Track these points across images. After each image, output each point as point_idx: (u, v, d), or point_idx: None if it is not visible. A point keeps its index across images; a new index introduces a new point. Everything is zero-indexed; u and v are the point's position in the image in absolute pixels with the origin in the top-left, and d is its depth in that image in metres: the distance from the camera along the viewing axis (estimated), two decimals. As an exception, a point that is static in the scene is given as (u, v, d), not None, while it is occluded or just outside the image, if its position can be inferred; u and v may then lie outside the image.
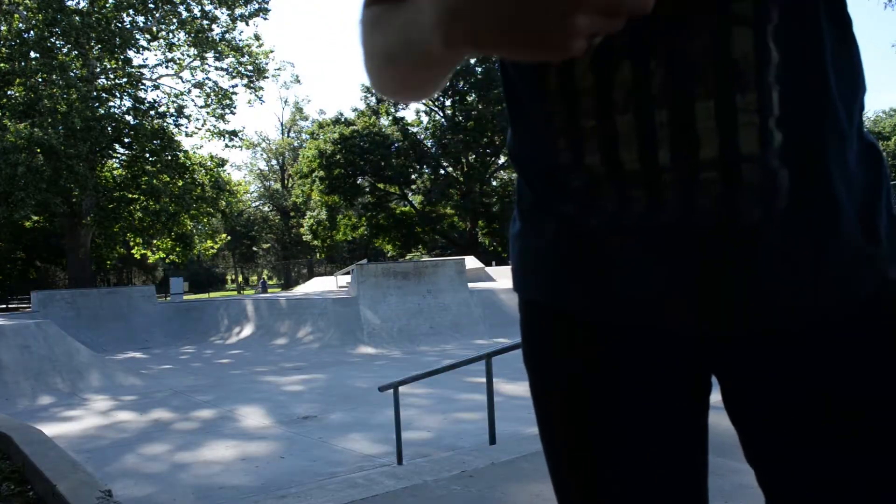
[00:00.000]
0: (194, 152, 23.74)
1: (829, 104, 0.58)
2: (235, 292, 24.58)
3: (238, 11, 22.04)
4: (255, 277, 56.14)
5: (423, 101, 0.69)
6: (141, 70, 22.55)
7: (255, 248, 53.04)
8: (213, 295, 34.07)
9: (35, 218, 23.14)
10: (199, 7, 21.66)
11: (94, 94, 20.26)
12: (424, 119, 36.65)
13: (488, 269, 24.10)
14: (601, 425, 0.67)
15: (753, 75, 0.55)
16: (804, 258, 0.58)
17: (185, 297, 25.61)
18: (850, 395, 0.59)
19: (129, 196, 21.96)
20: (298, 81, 60.32)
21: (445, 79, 0.58)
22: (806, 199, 0.57)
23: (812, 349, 0.60)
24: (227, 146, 25.59)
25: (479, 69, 33.62)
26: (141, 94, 22.64)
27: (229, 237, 36.47)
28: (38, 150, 18.33)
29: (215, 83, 23.46)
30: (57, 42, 19.52)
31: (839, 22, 0.60)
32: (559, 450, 0.72)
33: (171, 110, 22.97)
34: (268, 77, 24.75)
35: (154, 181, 21.17)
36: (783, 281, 0.58)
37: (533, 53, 0.42)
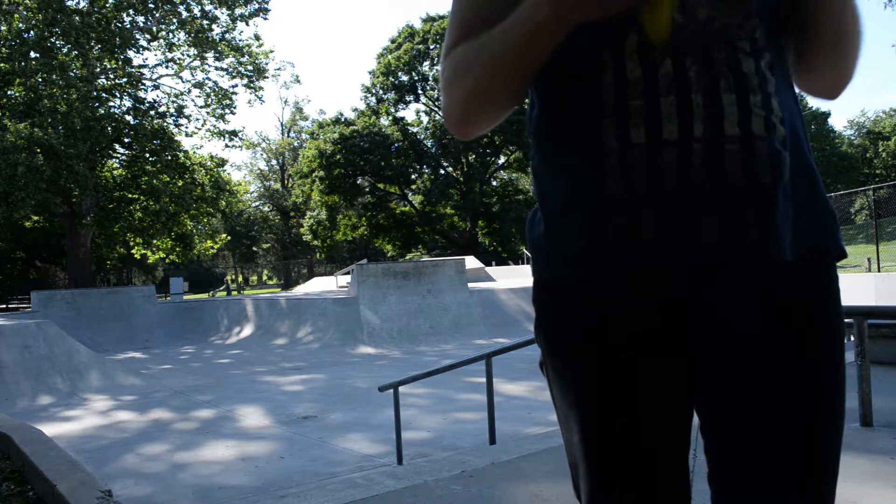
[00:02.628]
0: (194, 152, 23.72)
1: (799, 112, 0.82)
2: (207, 295, 24.50)
3: (238, 11, 22.02)
4: (255, 277, 56.16)
5: (493, 123, 0.81)
6: (141, 70, 22.54)
7: (255, 248, 53.05)
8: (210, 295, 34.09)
9: (35, 218, 23.15)
10: (199, 7, 21.65)
11: (94, 94, 20.24)
12: (424, 119, 36.65)
13: (488, 269, 24.11)
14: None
15: (758, 85, 0.75)
16: (802, 209, 0.79)
17: (185, 297, 25.60)
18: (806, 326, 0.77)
19: (129, 196, 21.94)
20: (298, 81, 60.36)
21: (526, 85, 0.82)
22: (799, 170, 0.79)
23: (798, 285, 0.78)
24: (227, 146, 25.57)
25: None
26: (141, 94, 22.64)
27: (229, 237, 36.47)
28: (38, 150, 18.31)
29: (215, 83, 23.45)
30: (57, 42, 19.51)
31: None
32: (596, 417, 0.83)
33: (171, 110, 22.96)
34: (268, 77, 24.73)
35: (154, 181, 21.15)
36: (787, 225, 0.76)
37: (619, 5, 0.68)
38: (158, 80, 23.11)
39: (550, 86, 0.83)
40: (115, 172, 23.20)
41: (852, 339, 3.38)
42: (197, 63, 22.95)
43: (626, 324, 0.79)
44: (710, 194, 0.73)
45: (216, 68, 23.49)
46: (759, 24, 0.77)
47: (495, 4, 0.80)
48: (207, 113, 23.49)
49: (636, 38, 0.75)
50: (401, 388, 5.08)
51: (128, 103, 22.38)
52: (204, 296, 32.45)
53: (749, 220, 0.74)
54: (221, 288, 25.02)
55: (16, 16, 18.89)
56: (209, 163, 23.61)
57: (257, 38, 23.29)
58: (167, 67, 23.11)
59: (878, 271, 15.47)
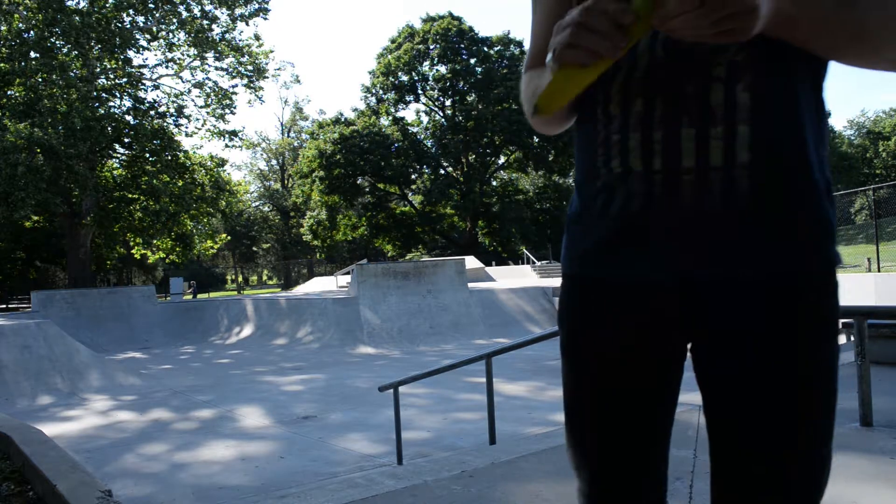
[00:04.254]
0: (194, 152, 23.72)
1: (798, 137, 0.83)
2: (163, 297, 24.26)
3: (238, 11, 22.02)
4: (255, 277, 56.17)
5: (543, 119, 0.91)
6: (141, 70, 22.54)
7: (255, 248, 53.05)
8: (213, 294, 34.08)
9: (35, 218, 23.14)
10: (199, 7, 21.65)
11: (94, 94, 20.24)
12: (424, 119, 36.66)
13: (488, 269, 24.12)
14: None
15: (723, 115, 0.82)
16: (777, 228, 0.83)
17: (185, 297, 25.59)
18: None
19: (129, 196, 21.94)
20: (298, 81, 60.26)
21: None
22: (767, 201, 0.82)
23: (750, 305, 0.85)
24: (227, 146, 25.56)
25: (479, 69, 33.62)
26: (141, 94, 22.64)
27: (229, 237, 36.47)
28: (38, 150, 18.31)
29: (215, 83, 23.45)
30: (57, 42, 19.50)
31: (816, 86, 0.87)
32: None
33: (171, 110, 22.96)
34: (268, 77, 24.73)
35: (154, 181, 21.15)
36: (745, 245, 0.83)
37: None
38: (158, 80, 23.13)
39: (576, 116, 0.99)
40: (115, 172, 23.20)
41: (852, 339, 3.38)
42: (197, 63, 22.96)
43: (611, 325, 0.93)
44: (668, 220, 0.85)
45: (216, 68, 23.51)
46: (744, 47, 0.81)
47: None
48: (207, 113, 23.51)
49: (621, 78, 0.87)
50: (401, 388, 5.07)
51: (128, 103, 22.40)
52: (204, 296, 32.47)
53: (698, 243, 0.84)
54: (188, 290, 24.36)
55: (16, 16, 18.89)
56: (209, 163, 23.61)
57: (257, 38, 23.30)
58: (167, 67, 23.12)
59: (878, 271, 15.48)
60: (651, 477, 0.97)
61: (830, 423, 0.87)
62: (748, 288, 0.84)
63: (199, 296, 32.45)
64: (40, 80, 19.22)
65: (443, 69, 34.02)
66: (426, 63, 34.44)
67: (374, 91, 35.66)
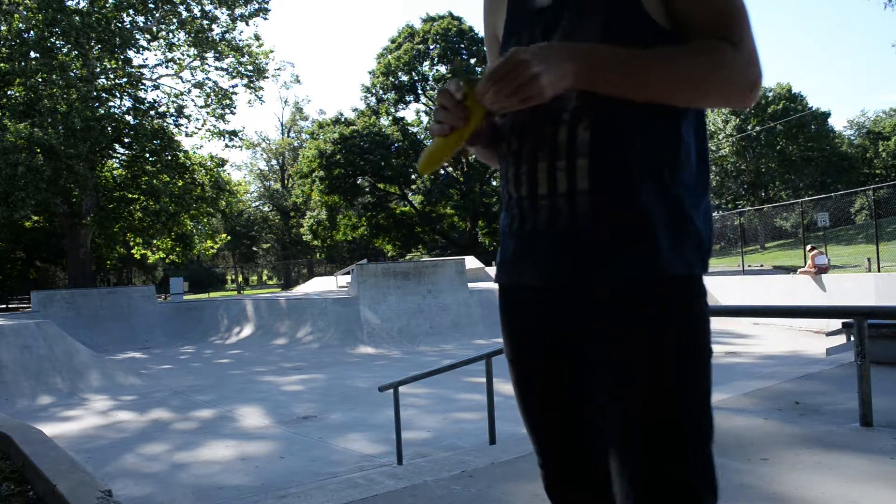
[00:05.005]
0: (194, 152, 23.71)
1: (636, 165, 0.97)
2: (163, 297, 23.89)
3: (238, 11, 22.01)
4: (255, 277, 56.15)
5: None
6: (141, 70, 22.53)
7: (255, 248, 53.04)
8: (213, 294, 34.06)
9: (35, 218, 23.13)
10: (199, 7, 21.64)
11: (94, 94, 20.24)
12: (424, 119, 36.63)
13: (488, 269, 24.10)
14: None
15: (566, 151, 0.99)
16: (618, 243, 0.97)
17: (186, 297, 25.56)
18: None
19: (129, 196, 21.94)
20: (298, 81, 60.28)
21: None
22: (605, 222, 0.97)
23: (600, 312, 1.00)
24: (227, 146, 25.57)
25: (479, 69, 33.60)
26: (141, 94, 22.63)
27: (229, 237, 36.45)
28: (38, 150, 18.31)
29: (215, 83, 23.44)
30: (57, 42, 19.50)
31: (675, 117, 0.99)
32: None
33: (171, 110, 22.95)
34: (268, 77, 24.71)
35: (154, 181, 21.15)
36: (587, 259, 0.98)
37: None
38: (158, 80, 23.12)
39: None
40: (115, 172, 23.19)
41: (852, 339, 3.39)
42: (197, 63, 22.95)
43: (518, 326, 1.11)
44: (537, 237, 1.03)
45: (216, 68, 23.50)
46: (584, 95, 0.96)
47: (492, 50, 1.23)
48: (207, 113, 23.50)
49: (509, 123, 1.08)
50: (401, 388, 5.08)
51: (128, 103, 22.40)
52: (204, 296, 32.45)
53: (557, 258, 1.01)
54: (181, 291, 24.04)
55: (16, 16, 18.88)
56: (209, 163, 23.60)
57: (257, 38, 23.29)
58: (167, 67, 23.12)
59: (878, 271, 15.47)
60: (589, 465, 1.09)
61: (689, 422, 0.95)
62: (597, 295, 0.98)
63: (197, 296, 32.43)
64: (40, 80, 19.21)
65: (443, 69, 34.01)
66: (426, 63, 34.44)
67: (374, 91, 35.66)
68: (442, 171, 35.05)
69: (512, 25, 1.12)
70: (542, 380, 1.10)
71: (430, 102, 35.36)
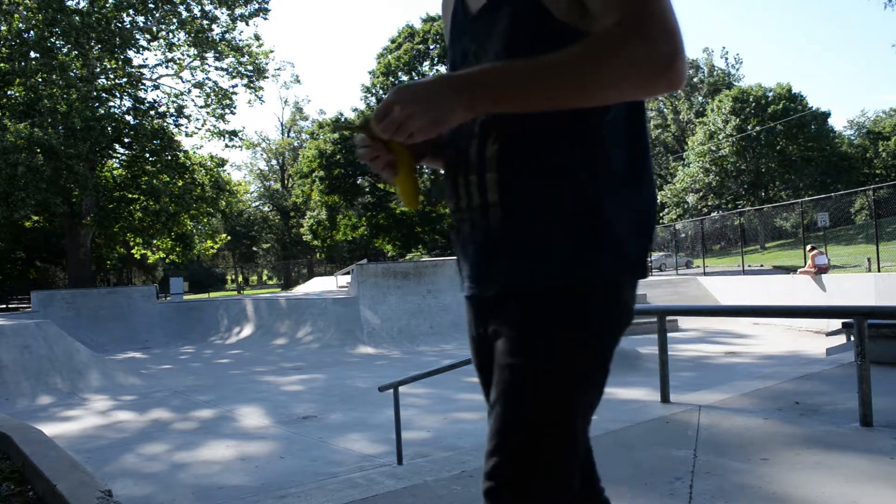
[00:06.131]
0: (194, 152, 23.71)
1: (543, 175, 0.97)
2: (163, 297, 23.38)
3: (238, 11, 22.01)
4: (255, 277, 56.15)
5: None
6: (141, 70, 22.53)
7: (255, 248, 53.04)
8: (212, 294, 34.07)
9: (35, 218, 23.12)
10: (199, 7, 21.64)
11: (94, 94, 20.24)
12: (424, 119, 36.59)
13: (488, 269, 24.09)
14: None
15: (476, 166, 1.02)
16: (496, 265, 1.02)
17: (185, 297, 25.55)
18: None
19: (129, 196, 21.93)
20: (298, 81, 60.37)
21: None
22: (513, 232, 0.99)
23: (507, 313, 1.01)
24: (227, 146, 25.56)
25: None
26: (141, 94, 22.62)
27: (229, 237, 36.45)
28: (38, 150, 18.31)
29: (215, 83, 23.44)
30: (57, 42, 19.50)
31: (592, 126, 0.97)
32: None
33: (171, 110, 22.95)
34: (268, 77, 24.72)
35: (154, 181, 21.15)
36: (489, 267, 1.03)
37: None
38: (158, 80, 23.12)
39: None
40: (115, 172, 23.18)
41: (852, 339, 3.39)
42: (197, 63, 22.95)
43: (468, 330, 1.18)
44: (464, 247, 1.09)
45: (216, 68, 23.50)
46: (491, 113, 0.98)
47: None
48: (207, 113, 23.49)
49: (447, 141, 1.12)
50: (401, 388, 5.07)
51: (128, 103, 22.39)
52: (204, 296, 32.44)
53: (475, 266, 1.07)
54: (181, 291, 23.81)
55: (16, 16, 18.88)
56: (209, 163, 23.60)
57: (257, 38, 23.29)
58: (167, 67, 23.11)
59: (878, 271, 15.47)
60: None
61: (545, 427, 0.94)
62: (508, 302, 1.00)
63: (197, 296, 32.43)
64: (40, 80, 19.21)
65: (443, 69, 34.00)
66: (426, 63, 34.43)
67: (374, 91, 35.65)
68: (442, 171, 35.08)
69: (453, 31, 1.13)
70: (485, 382, 1.16)
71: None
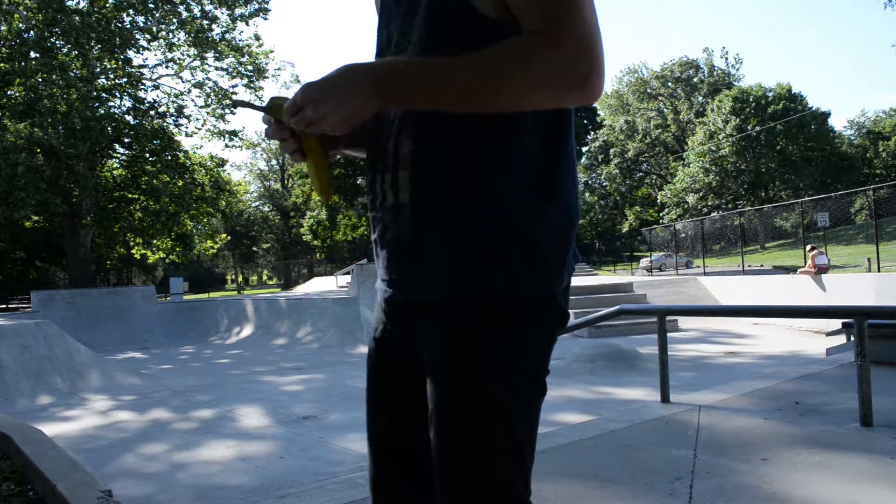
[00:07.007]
0: (194, 152, 23.72)
1: (456, 176, 0.92)
2: (163, 297, 23.41)
3: (238, 11, 22.01)
4: (255, 277, 56.16)
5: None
6: (141, 70, 22.53)
7: (255, 248, 53.06)
8: (213, 294, 34.07)
9: (35, 218, 23.12)
10: (199, 7, 21.65)
11: (94, 94, 20.24)
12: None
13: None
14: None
15: (392, 164, 0.97)
16: (406, 269, 0.98)
17: (185, 297, 25.55)
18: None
19: (129, 196, 21.94)
20: (298, 81, 60.07)
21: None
22: (424, 235, 0.94)
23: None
24: (227, 146, 25.54)
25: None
26: (141, 94, 22.62)
27: (229, 237, 36.46)
28: (38, 150, 18.31)
29: (215, 83, 23.44)
30: (57, 42, 19.50)
31: (515, 128, 0.92)
32: None
33: (171, 110, 22.95)
34: (268, 77, 24.71)
35: (154, 181, 21.15)
36: (408, 272, 0.98)
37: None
38: (158, 80, 23.11)
39: None
40: (115, 172, 23.18)
41: (852, 339, 3.39)
42: (197, 63, 22.95)
43: (381, 330, 1.12)
44: (379, 249, 1.04)
45: (216, 68, 23.49)
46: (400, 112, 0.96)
47: None
48: (207, 113, 23.50)
49: (368, 137, 1.07)
50: (401, 388, 5.06)
51: (128, 103, 22.38)
52: (204, 296, 32.44)
53: (389, 269, 1.02)
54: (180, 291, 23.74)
55: (16, 16, 18.88)
56: (209, 163, 23.61)
57: (257, 38, 23.29)
58: (167, 67, 23.12)
59: (878, 271, 15.48)
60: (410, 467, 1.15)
61: (487, 442, 0.92)
62: (424, 308, 0.97)
63: (197, 296, 32.42)
64: (40, 80, 19.21)
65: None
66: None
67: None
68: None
69: (381, 18, 1.07)
70: (375, 383, 1.23)
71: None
